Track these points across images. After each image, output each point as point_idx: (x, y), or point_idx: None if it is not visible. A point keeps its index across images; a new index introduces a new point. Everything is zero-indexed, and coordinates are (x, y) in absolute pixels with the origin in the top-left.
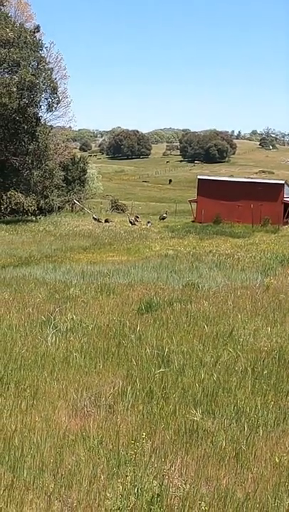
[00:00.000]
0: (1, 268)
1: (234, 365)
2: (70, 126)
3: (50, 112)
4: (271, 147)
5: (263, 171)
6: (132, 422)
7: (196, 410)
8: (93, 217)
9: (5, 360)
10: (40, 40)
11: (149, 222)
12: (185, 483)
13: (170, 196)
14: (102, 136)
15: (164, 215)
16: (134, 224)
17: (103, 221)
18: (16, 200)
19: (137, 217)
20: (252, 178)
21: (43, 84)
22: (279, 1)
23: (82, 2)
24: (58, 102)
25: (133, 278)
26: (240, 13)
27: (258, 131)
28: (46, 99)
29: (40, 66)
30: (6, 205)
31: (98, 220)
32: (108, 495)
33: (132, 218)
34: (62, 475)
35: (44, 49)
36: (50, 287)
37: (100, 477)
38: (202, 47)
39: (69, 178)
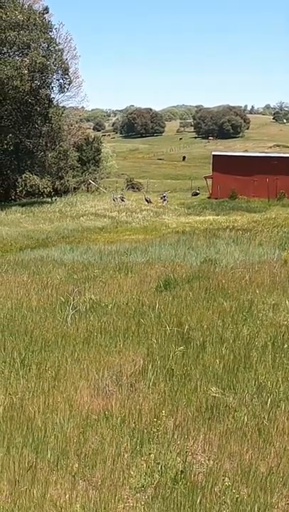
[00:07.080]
0: (19, 250)
1: (254, 340)
2: (82, 107)
3: (62, 92)
4: (285, 121)
5: (278, 145)
6: (153, 400)
7: (218, 386)
8: (113, 199)
9: (26, 342)
10: (49, 21)
11: (165, 199)
12: (208, 460)
13: (185, 173)
14: (115, 116)
15: (197, 191)
16: (150, 202)
17: (119, 199)
18: (31, 182)
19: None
20: (266, 153)
21: (54, 66)
22: None
23: None
24: (70, 82)
25: (150, 256)
26: None
27: (272, 105)
28: (58, 80)
29: (50, 47)
30: (21, 188)
31: (116, 199)
32: (132, 473)
33: (148, 197)
34: (86, 455)
35: (54, 30)
36: (69, 268)
37: (124, 456)
38: (213, 23)
39: (83, 158)
